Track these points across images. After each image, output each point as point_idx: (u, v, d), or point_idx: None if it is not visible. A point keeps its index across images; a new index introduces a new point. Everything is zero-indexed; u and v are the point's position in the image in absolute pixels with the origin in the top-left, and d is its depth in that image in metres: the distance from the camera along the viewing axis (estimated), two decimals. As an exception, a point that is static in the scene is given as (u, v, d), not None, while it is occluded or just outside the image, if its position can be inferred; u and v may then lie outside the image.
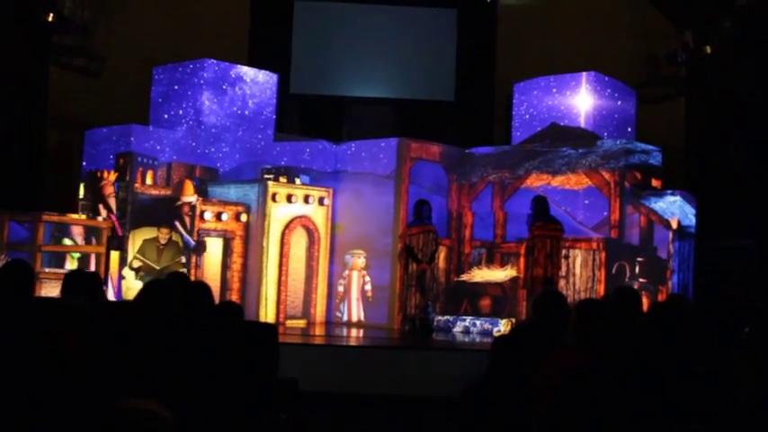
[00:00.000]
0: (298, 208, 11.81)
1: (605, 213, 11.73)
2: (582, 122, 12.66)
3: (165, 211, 11.42)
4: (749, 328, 4.64)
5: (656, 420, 3.74)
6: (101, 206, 11.43)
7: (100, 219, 11.33)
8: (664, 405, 3.77)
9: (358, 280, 12.21)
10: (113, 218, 11.39)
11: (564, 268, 11.26)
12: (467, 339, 10.54)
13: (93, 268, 10.72)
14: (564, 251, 11.20)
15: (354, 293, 12.21)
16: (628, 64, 14.72)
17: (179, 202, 11.39)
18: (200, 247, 11.40)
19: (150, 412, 3.76)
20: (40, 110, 14.12)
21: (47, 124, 14.27)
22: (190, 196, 11.37)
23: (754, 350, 4.32)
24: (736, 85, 13.75)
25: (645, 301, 11.04)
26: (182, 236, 11.31)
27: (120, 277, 11.23)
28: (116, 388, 3.91)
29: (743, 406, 4.03)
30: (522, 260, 11.64)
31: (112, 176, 11.50)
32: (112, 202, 11.45)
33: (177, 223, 11.32)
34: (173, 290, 4.65)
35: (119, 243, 11.35)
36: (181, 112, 12.50)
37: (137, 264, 10.93)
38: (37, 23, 13.58)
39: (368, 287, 12.14)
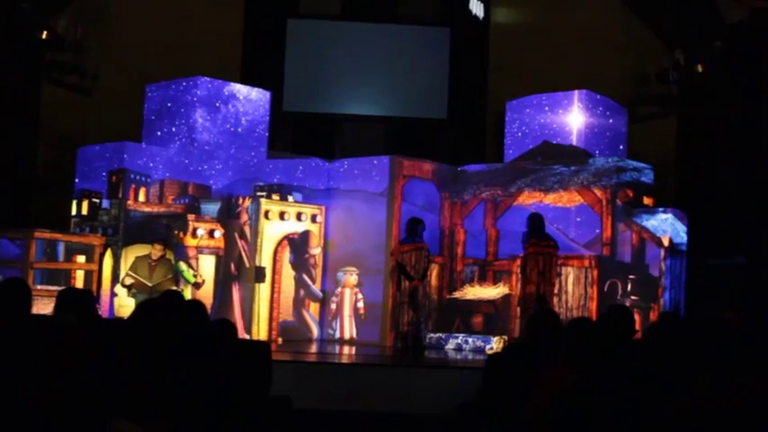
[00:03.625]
0: (290, 225, 11.82)
1: (597, 231, 11.76)
2: (574, 140, 12.70)
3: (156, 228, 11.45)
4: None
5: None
6: (236, 234, 11.31)
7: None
8: (657, 424, 3.77)
9: (350, 297, 12.20)
10: (245, 246, 11.30)
11: (556, 286, 11.27)
12: (459, 357, 10.53)
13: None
14: (556, 268, 11.22)
15: (347, 311, 12.19)
16: (619, 82, 14.79)
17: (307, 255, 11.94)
18: (326, 298, 12.18)
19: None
20: (33, 127, 14.12)
21: (39, 141, 14.26)
22: (315, 248, 12.02)
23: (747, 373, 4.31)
24: (727, 104, 13.83)
25: (637, 319, 11.08)
26: (308, 287, 11.99)
27: (113, 294, 11.21)
28: (108, 406, 3.90)
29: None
30: (514, 278, 11.67)
31: (247, 202, 11.46)
32: (247, 230, 11.35)
33: (304, 275, 11.94)
34: (167, 308, 4.64)
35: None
36: (174, 129, 12.50)
37: (129, 281, 10.89)
38: (30, 41, 13.60)
39: (360, 304, 12.13)
